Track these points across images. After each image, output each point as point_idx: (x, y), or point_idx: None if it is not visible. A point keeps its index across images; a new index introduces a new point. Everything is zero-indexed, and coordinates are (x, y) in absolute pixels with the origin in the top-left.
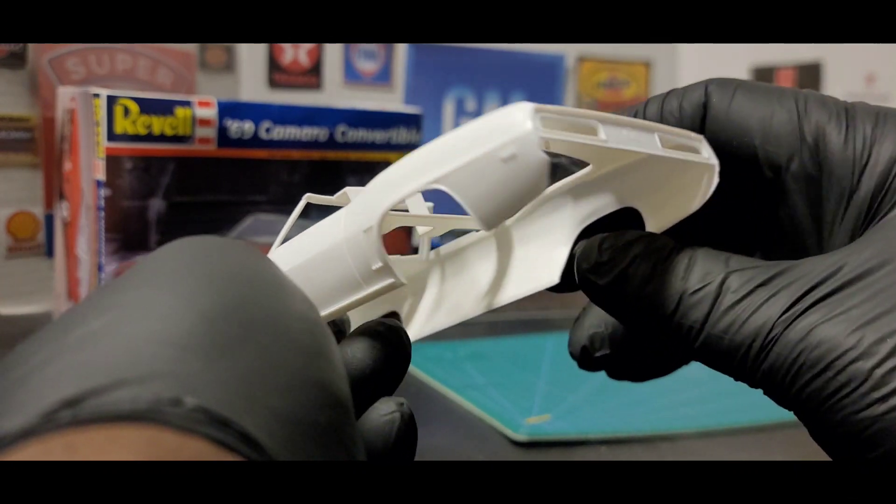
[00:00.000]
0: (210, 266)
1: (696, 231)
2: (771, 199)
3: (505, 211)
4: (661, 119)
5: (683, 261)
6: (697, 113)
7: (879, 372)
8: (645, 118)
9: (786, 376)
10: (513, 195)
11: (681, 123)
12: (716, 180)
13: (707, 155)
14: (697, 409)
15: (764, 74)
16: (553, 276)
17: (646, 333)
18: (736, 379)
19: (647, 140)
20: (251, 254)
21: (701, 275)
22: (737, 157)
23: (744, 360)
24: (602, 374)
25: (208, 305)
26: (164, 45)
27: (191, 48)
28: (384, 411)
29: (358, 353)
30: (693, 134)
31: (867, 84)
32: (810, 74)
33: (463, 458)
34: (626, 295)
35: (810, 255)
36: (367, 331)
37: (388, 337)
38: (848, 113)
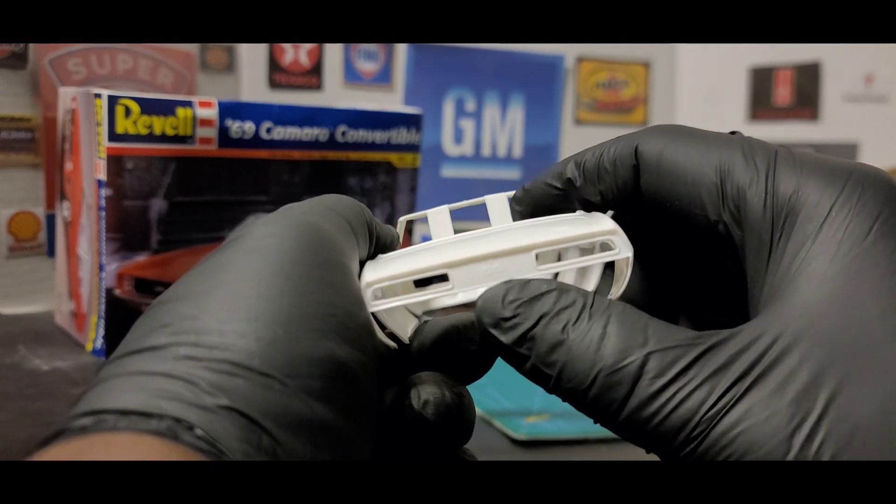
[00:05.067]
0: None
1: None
2: (705, 254)
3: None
4: (598, 174)
5: (598, 326)
6: (629, 171)
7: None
8: (585, 173)
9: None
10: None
11: (615, 181)
12: (628, 272)
13: (618, 248)
14: None
15: (763, 75)
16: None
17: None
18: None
19: (516, 266)
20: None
21: (618, 351)
22: (670, 215)
23: (669, 448)
24: None
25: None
26: (165, 45)
27: (192, 49)
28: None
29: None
30: (605, 224)
31: (866, 84)
32: (809, 74)
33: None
34: (532, 358)
35: (737, 311)
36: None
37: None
38: (769, 172)
